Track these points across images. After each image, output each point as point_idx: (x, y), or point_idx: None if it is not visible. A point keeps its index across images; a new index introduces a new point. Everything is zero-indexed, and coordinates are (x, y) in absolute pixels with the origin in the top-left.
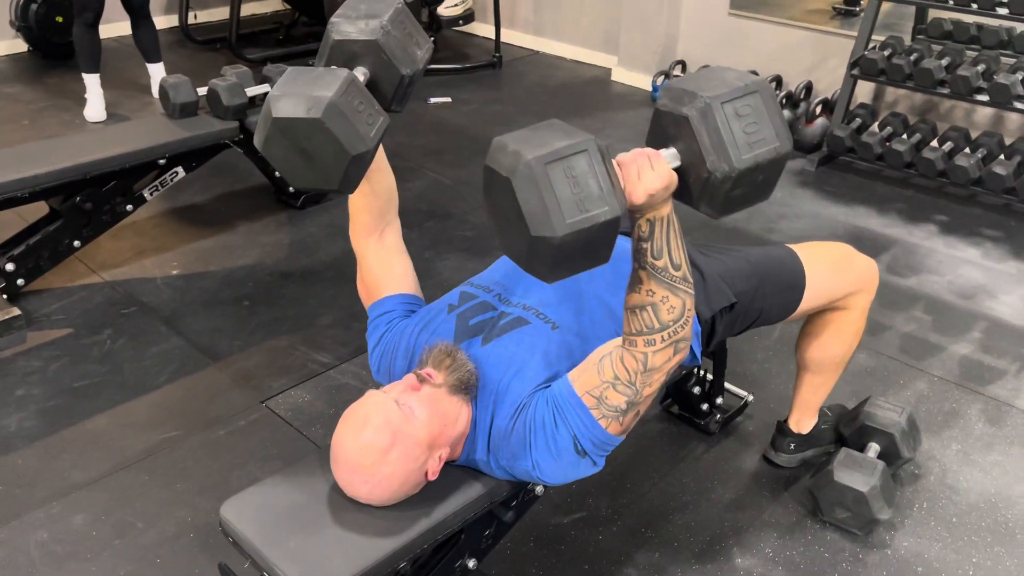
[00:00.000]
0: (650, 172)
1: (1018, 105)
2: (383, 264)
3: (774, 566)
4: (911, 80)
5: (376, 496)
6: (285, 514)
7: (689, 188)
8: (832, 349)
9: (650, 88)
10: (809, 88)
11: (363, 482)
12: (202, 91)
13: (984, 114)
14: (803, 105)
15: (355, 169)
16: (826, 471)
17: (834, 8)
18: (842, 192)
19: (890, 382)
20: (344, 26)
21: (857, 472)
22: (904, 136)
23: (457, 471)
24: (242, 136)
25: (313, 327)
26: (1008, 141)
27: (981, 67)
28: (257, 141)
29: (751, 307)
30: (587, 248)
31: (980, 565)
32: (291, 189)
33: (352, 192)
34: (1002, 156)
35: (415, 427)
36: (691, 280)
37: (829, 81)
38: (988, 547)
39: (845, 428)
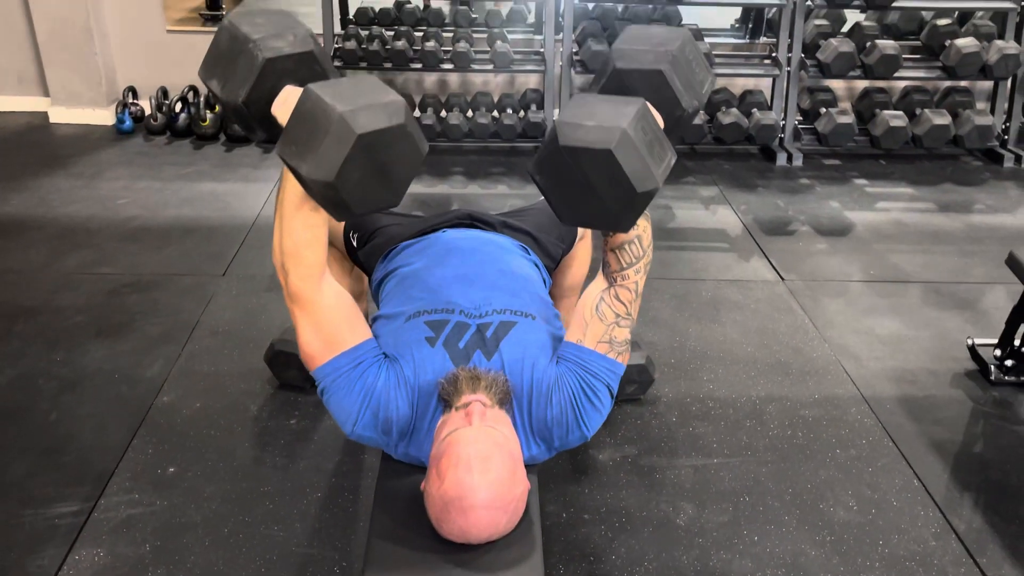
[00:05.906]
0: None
1: (475, 67)
2: (343, 306)
3: (631, 466)
4: (388, 62)
5: (514, 520)
6: None
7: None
8: (581, 272)
9: (111, 122)
10: None
11: (503, 513)
12: None
13: (432, 80)
14: None
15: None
16: None
17: (201, 15)
18: None
19: None
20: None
21: (635, 351)
22: None
23: None
24: None
25: (12, 484)
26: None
27: (432, 43)
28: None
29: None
30: None
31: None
32: None
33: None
34: (484, 109)
35: (514, 444)
36: None
37: None
38: (683, 338)
39: None
